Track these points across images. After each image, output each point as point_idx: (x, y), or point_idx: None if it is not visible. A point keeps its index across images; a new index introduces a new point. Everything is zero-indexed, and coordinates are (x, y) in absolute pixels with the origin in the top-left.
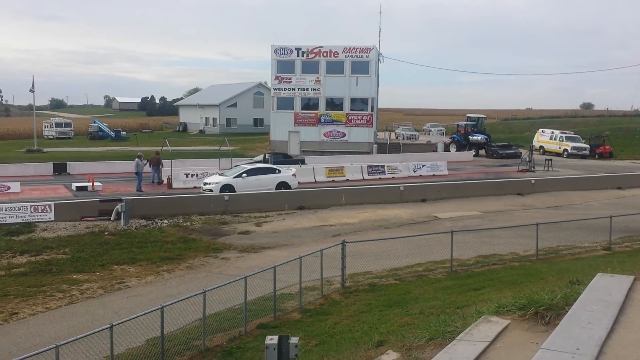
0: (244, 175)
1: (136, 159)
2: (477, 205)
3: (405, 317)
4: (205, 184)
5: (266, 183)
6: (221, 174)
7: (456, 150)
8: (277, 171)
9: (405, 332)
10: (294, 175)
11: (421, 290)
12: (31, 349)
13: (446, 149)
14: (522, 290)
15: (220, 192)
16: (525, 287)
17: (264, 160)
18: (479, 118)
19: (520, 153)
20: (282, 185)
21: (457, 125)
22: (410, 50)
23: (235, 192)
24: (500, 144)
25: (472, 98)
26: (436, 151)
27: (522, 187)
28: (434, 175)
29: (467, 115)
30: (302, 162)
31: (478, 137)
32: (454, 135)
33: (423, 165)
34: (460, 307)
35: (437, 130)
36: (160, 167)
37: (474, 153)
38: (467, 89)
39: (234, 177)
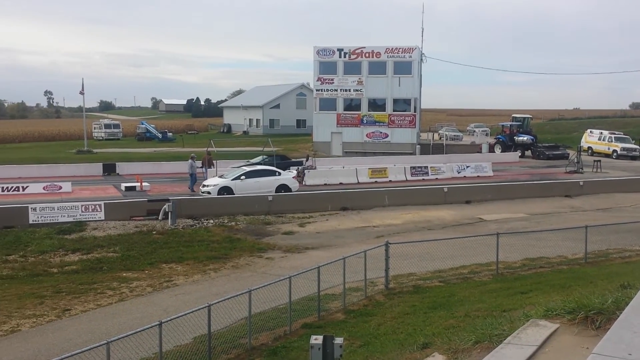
0: (243, 177)
1: (189, 160)
2: (523, 207)
3: (450, 319)
4: (204, 186)
5: (265, 185)
6: (220, 176)
7: (501, 151)
8: (277, 173)
9: (450, 334)
10: (294, 178)
11: (466, 293)
12: (83, 345)
13: (491, 149)
14: (571, 293)
15: (218, 195)
16: (574, 291)
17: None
18: (524, 118)
19: (568, 154)
20: (282, 187)
21: (502, 125)
22: (454, 49)
23: (234, 194)
24: (547, 144)
25: (517, 98)
26: (481, 152)
27: (570, 188)
28: (478, 176)
29: (513, 115)
30: (301, 164)
31: (524, 138)
32: (499, 136)
33: (467, 166)
34: (506, 310)
35: (482, 131)
36: (211, 167)
37: (519, 154)
38: (513, 88)
39: (232, 180)
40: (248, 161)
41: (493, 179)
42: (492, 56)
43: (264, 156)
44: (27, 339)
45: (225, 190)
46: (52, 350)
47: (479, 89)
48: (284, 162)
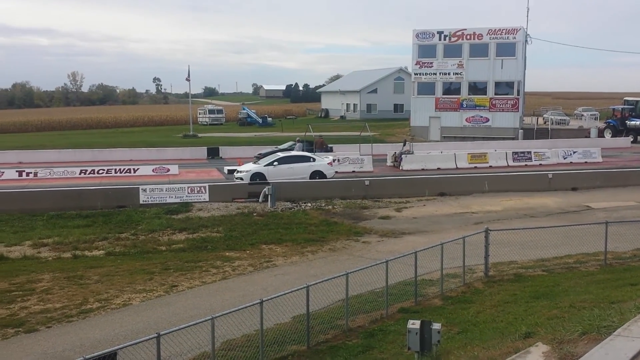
0: (275, 163)
1: (296, 144)
2: (635, 195)
3: (554, 309)
4: (238, 172)
5: (299, 172)
6: (254, 162)
7: (611, 136)
8: (311, 159)
9: (555, 325)
10: (330, 164)
11: (571, 283)
12: (189, 320)
13: (600, 134)
14: None
15: (250, 181)
16: None
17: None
18: (638, 101)
19: None
20: (317, 174)
21: (613, 109)
22: (560, 29)
23: (267, 180)
24: None
25: (630, 80)
26: (589, 137)
27: None
28: (586, 162)
29: (625, 98)
30: (330, 150)
31: (637, 122)
32: (609, 120)
33: (574, 152)
34: (615, 302)
35: (590, 115)
36: (323, 149)
37: (632, 139)
38: (625, 70)
39: (265, 166)
40: (277, 147)
41: (602, 165)
42: (604, 36)
43: (293, 142)
44: (137, 313)
45: (257, 176)
46: (160, 323)
47: (588, 70)
48: (311, 149)
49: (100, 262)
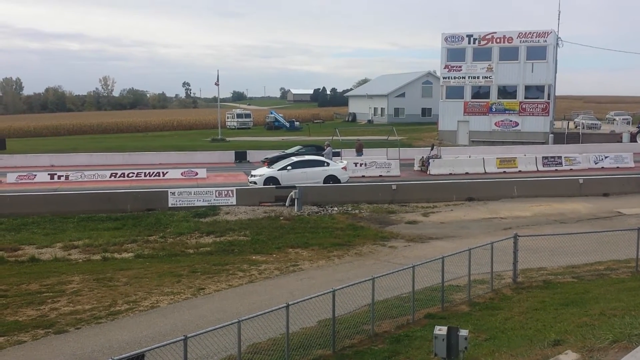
0: (289, 167)
1: (325, 148)
2: None
3: (584, 317)
4: (252, 176)
5: (313, 176)
6: (268, 167)
7: None
8: (325, 164)
9: (584, 332)
10: (344, 168)
11: (602, 290)
12: (216, 322)
13: (632, 139)
14: None
15: (264, 185)
16: None
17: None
18: None
19: None
20: (331, 178)
21: None
22: (592, 32)
23: (280, 184)
24: None
25: None
26: (621, 141)
27: None
28: (617, 167)
29: None
30: (337, 155)
31: None
32: None
33: (605, 157)
34: None
35: (623, 119)
36: (361, 153)
37: None
38: None
39: (278, 170)
40: (284, 151)
41: (634, 170)
42: (637, 39)
43: (300, 147)
44: (165, 315)
45: (271, 180)
46: (187, 326)
47: (620, 74)
48: (319, 153)
49: (129, 265)
